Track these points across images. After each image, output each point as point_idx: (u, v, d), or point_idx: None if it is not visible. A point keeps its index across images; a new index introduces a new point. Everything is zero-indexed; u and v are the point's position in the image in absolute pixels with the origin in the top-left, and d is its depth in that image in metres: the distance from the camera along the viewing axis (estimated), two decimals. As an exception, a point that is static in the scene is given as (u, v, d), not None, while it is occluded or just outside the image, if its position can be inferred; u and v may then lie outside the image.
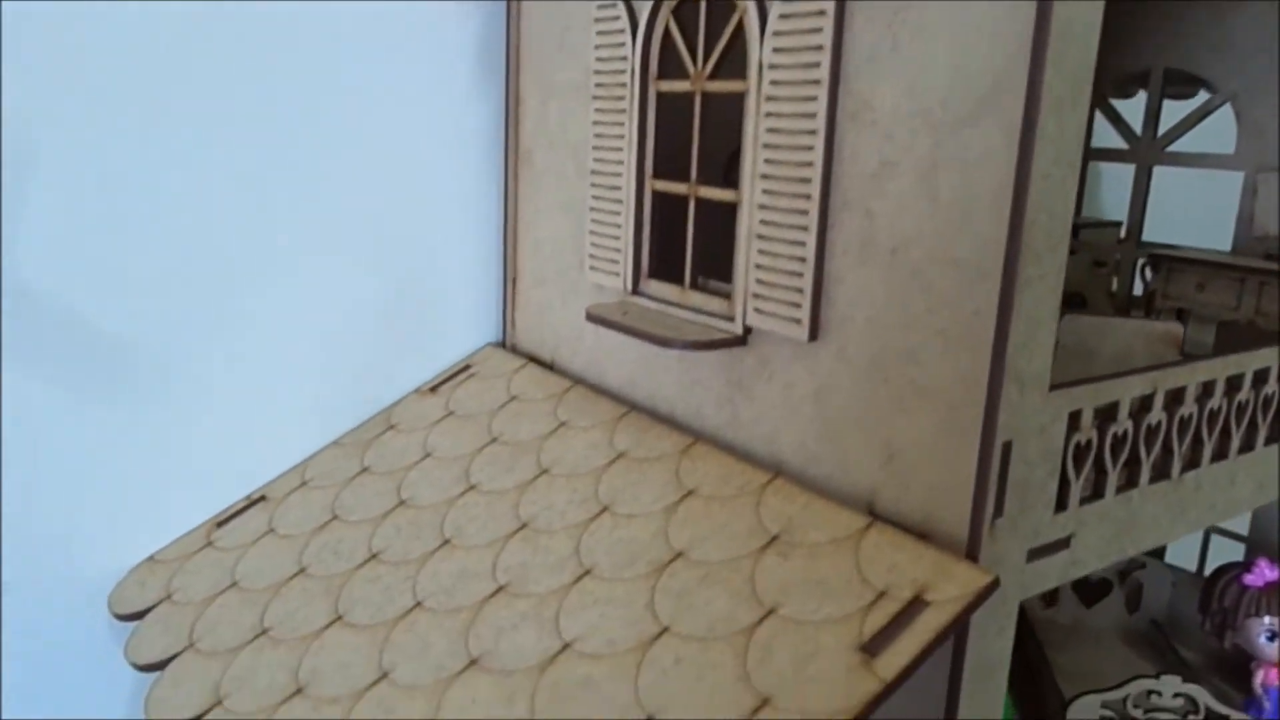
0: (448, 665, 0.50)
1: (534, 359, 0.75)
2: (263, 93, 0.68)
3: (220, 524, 0.70)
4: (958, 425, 0.45)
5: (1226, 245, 0.80)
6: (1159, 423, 0.51)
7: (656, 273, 0.62)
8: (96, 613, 0.66)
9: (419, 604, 0.55)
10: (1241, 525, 0.96)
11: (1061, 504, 0.48)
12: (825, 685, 0.41)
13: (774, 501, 0.52)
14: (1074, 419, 0.47)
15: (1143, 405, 0.50)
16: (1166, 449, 0.52)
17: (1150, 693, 0.72)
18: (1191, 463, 0.54)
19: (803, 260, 0.51)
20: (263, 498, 0.71)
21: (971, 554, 0.44)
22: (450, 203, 0.78)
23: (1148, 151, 0.84)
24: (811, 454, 0.52)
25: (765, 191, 0.52)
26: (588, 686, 0.45)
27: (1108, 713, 0.71)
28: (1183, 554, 1.00)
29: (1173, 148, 0.83)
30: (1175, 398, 0.52)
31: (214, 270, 0.68)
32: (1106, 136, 0.87)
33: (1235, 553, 0.92)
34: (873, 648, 0.42)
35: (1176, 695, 0.72)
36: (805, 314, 0.51)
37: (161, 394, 0.68)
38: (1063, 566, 0.49)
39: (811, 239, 0.50)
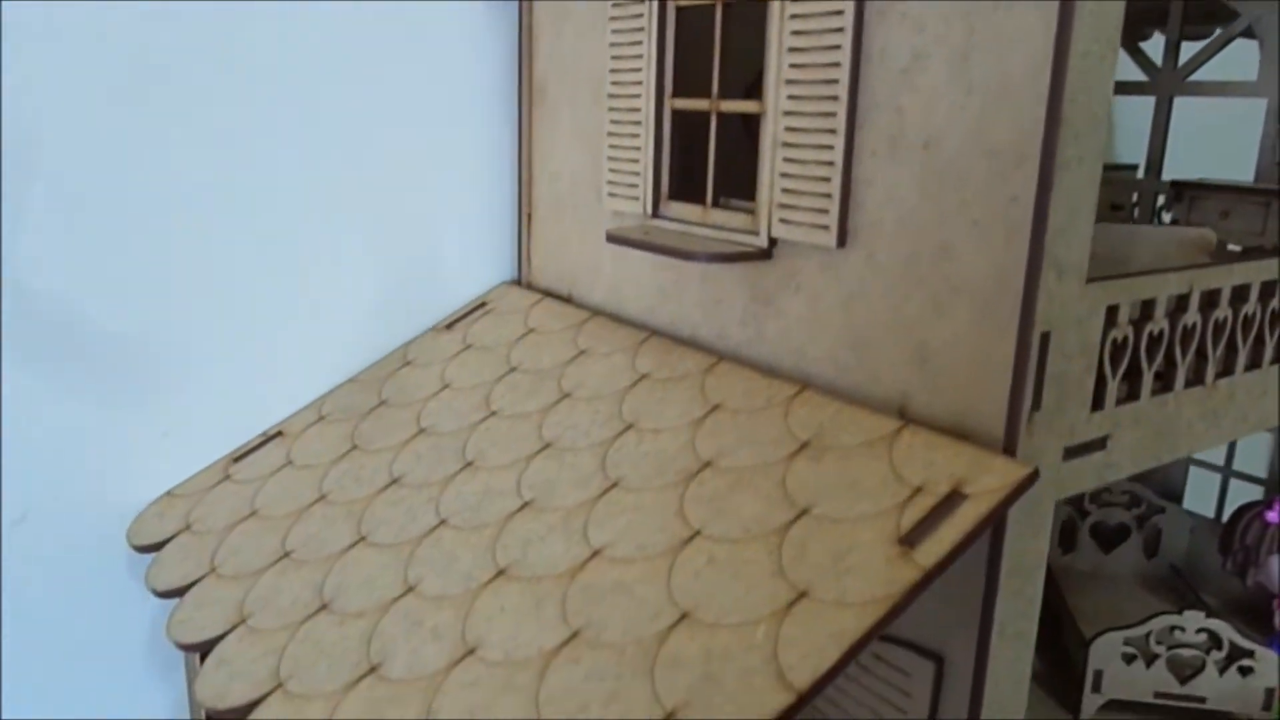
0: (475, 576, 0.49)
1: (551, 294, 0.74)
2: (277, 29, 0.67)
3: (237, 459, 0.69)
4: (994, 320, 0.44)
5: (1248, 179, 0.79)
6: (1194, 324, 0.50)
7: (677, 195, 0.62)
8: (115, 545, 0.65)
9: (443, 522, 0.54)
10: (1260, 468, 0.95)
11: (1098, 403, 0.47)
12: (864, 575, 0.40)
13: (803, 411, 0.51)
14: (1111, 315, 0.46)
15: (1178, 305, 0.50)
16: (1201, 354, 0.52)
17: (1173, 628, 0.71)
18: (1226, 370, 0.53)
19: (830, 164, 0.50)
20: (279, 433, 0.70)
21: (1009, 449, 0.44)
22: (463, 143, 0.77)
23: (1168, 82, 0.83)
24: (841, 365, 0.52)
25: (791, 98, 0.51)
26: (619, 589, 0.45)
27: (1130, 649, 0.71)
28: (1201, 501, 1.00)
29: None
30: (1210, 300, 0.51)
31: (234, 213, 0.68)
32: (1125, 71, 0.86)
33: (1254, 497, 0.92)
34: (911, 539, 0.41)
35: (1200, 630, 0.71)
36: (833, 220, 0.50)
37: (179, 333, 0.67)
38: (1099, 468, 0.48)
39: (840, 142, 0.49)
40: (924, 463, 0.44)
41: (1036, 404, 0.44)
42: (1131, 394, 0.49)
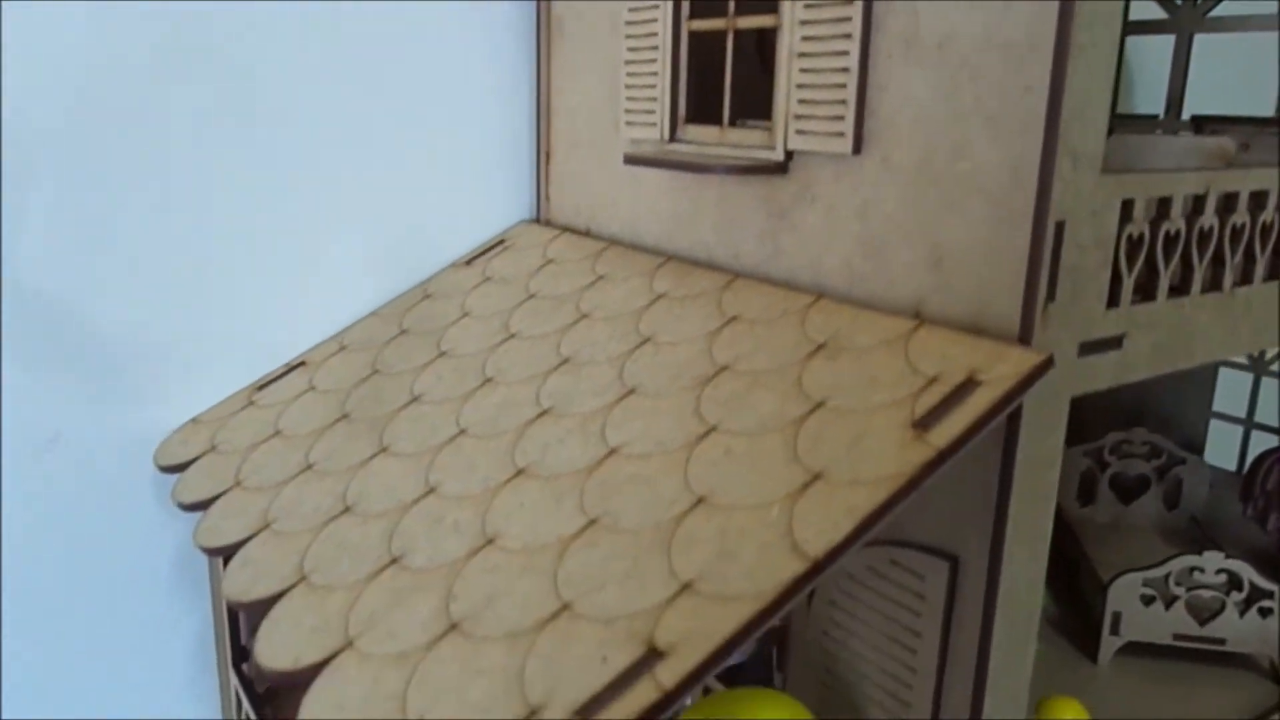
0: (495, 477, 0.50)
1: (569, 229, 0.75)
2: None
3: (260, 388, 0.70)
4: (1009, 213, 0.44)
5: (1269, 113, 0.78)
6: (1211, 228, 0.50)
7: (694, 118, 0.62)
8: (142, 466, 0.67)
9: (463, 431, 0.55)
10: (1280, 418, 0.95)
11: (1114, 300, 0.47)
12: (878, 457, 0.41)
13: (819, 318, 0.51)
14: (1127, 210, 0.46)
15: (1195, 207, 0.50)
16: (1218, 260, 0.52)
17: (1192, 569, 0.71)
18: (1244, 278, 0.53)
19: (845, 71, 0.50)
20: (302, 363, 0.71)
21: (1024, 340, 0.44)
22: (482, 84, 0.77)
23: (1189, 19, 0.83)
24: (856, 273, 0.52)
25: (807, 7, 0.52)
26: (636, 481, 0.45)
27: (1148, 590, 0.71)
28: (1221, 454, 0.99)
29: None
30: (1228, 204, 0.51)
31: (256, 152, 0.69)
32: (1146, 10, 0.86)
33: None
34: (925, 423, 0.41)
35: (1219, 571, 0.71)
36: (849, 126, 0.50)
37: (204, 268, 0.68)
38: (1115, 368, 0.48)
39: (855, 47, 0.49)
40: (939, 356, 0.45)
41: (1051, 294, 0.44)
42: (1148, 295, 0.49)
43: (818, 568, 0.37)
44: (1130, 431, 0.90)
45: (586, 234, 0.73)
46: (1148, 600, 0.70)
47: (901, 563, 0.51)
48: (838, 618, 0.56)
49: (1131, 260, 0.47)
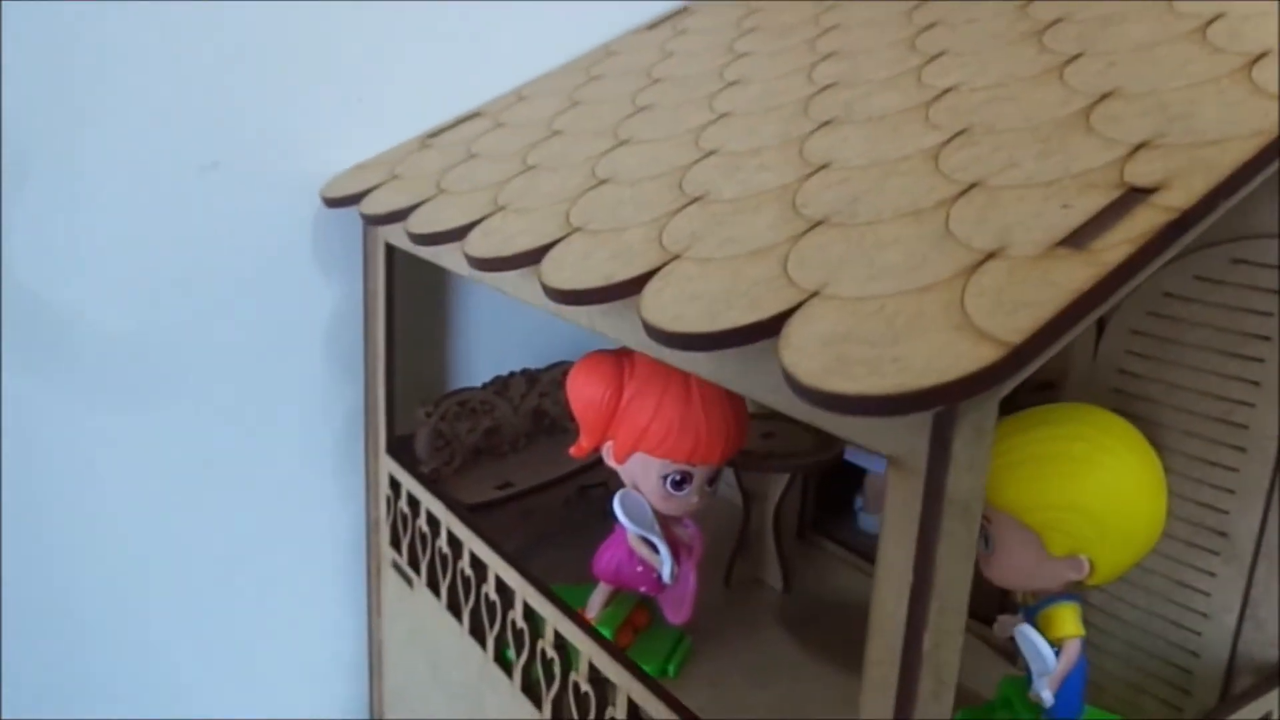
0: (792, 132, 0.43)
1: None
2: None
3: (432, 136, 0.62)
4: None
5: None
6: None
7: None
8: (307, 199, 0.59)
9: (726, 114, 0.47)
10: None
11: None
12: None
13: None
14: None
15: None
16: None
17: None
18: None
19: None
20: (477, 114, 0.64)
21: None
22: None
23: None
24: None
25: None
26: (999, 100, 0.38)
27: None
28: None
29: None
30: None
31: None
32: None
33: None
34: None
35: None
36: None
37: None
38: None
39: None
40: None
41: None
42: None
43: None
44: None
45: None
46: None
47: (1251, 259, 0.44)
48: (1142, 347, 0.48)
49: None
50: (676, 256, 0.35)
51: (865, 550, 0.67)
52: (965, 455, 0.27)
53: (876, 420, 0.28)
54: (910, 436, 0.27)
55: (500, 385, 0.66)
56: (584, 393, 0.50)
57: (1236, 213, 0.33)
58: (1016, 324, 0.25)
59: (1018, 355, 0.24)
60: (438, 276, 0.70)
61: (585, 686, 0.45)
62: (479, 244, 0.43)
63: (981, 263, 0.28)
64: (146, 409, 0.59)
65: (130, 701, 0.64)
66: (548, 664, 0.48)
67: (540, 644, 0.48)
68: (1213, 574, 0.47)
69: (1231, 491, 0.46)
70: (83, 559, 0.60)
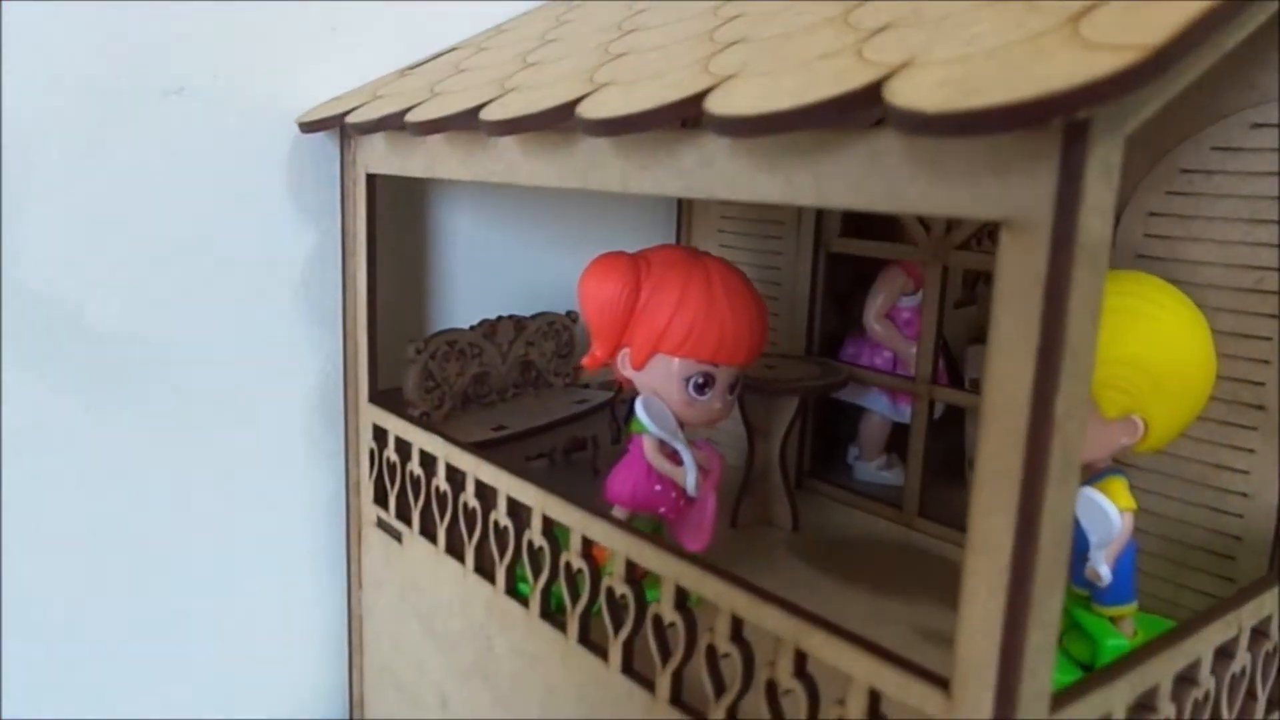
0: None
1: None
2: None
3: (411, 68, 0.60)
4: None
5: None
6: None
7: None
8: (282, 127, 0.56)
9: (739, 17, 0.46)
10: None
11: None
12: None
13: None
14: None
15: None
16: None
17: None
18: None
19: None
20: (453, 49, 0.61)
21: None
22: None
23: None
24: None
25: None
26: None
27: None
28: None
29: None
30: None
31: None
32: None
33: None
34: None
35: None
36: None
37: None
38: None
39: None
40: None
41: None
42: None
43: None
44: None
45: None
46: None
47: (1270, 122, 0.44)
48: (1161, 228, 0.48)
49: None
50: (732, 76, 0.33)
51: (867, 494, 0.65)
52: (1094, 195, 0.25)
53: (998, 166, 0.26)
54: (1034, 186, 0.25)
55: (489, 328, 0.62)
56: (600, 293, 0.47)
57: (1245, 83, 0.33)
58: (1148, 38, 0.23)
59: (1159, 57, 0.23)
60: (417, 222, 0.67)
61: (622, 589, 0.41)
62: (497, 112, 0.40)
63: (1084, 14, 0.26)
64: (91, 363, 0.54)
65: (131, 702, 0.58)
66: (573, 577, 0.44)
67: (564, 557, 0.44)
68: (1251, 450, 0.46)
69: (1266, 362, 0.45)
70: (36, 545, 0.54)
